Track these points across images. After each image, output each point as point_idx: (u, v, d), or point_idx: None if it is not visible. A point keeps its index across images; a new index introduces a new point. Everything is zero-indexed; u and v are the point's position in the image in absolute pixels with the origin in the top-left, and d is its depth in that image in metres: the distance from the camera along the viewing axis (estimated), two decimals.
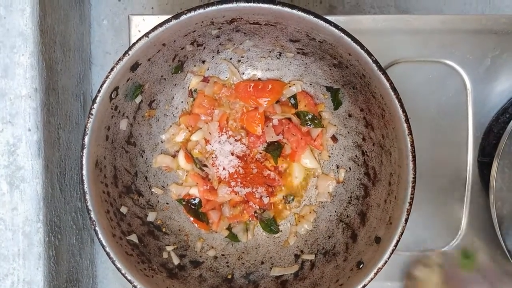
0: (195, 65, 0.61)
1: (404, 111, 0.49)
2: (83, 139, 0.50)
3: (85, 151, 0.50)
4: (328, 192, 0.64)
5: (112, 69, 0.50)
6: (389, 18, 0.66)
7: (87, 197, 0.51)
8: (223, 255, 0.63)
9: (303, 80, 0.63)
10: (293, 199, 0.65)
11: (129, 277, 0.52)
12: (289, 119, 0.63)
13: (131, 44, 0.50)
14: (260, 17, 0.52)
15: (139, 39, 0.49)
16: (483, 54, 0.66)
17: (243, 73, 0.64)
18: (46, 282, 0.65)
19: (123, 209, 0.57)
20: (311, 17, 0.48)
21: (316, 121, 0.63)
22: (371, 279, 0.51)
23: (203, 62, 0.62)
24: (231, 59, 0.62)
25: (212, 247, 0.63)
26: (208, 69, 0.62)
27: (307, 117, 0.63)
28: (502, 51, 0.65)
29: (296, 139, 0.63)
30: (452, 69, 0.66)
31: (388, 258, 0.51)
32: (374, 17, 0.66)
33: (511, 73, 0.66)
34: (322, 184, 0.64)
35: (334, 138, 0.64)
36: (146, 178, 0.62)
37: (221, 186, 0.63)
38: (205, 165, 0.64)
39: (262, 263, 0.62)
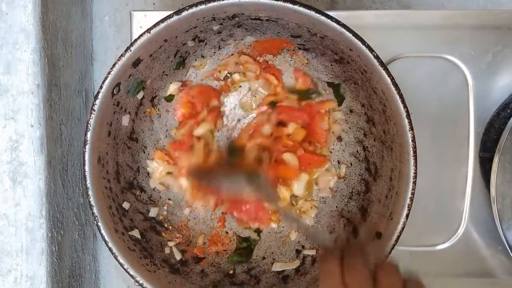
0: (196, 60, 0.61)
1: (405, 106, 0.49)
2: (86, 135, 0.50)
3: (87, 147, 0.51)
4: (329, 188, 0.64)
5: (114, 65, 0.50)
6: (391, 13, 0.65)
7: (90, 192, 0.51)
8: (224, 250, 0.63)
9: None
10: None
11: (131, 272, 0.52)
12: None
13: (132, 40, 0.50)
14: (261, 12, 0.52)
15: (141, 35, 0.49)
16: (484, 49, 0.65)
17: None
18: (49, 277, 0.65)
19: (125, 205, 0.57)
20: (312, 13, 0.48)
21: (314, 94, 0.62)
22: None
23: (204, 57, 0.62)
24: (232, 54, 0.62)
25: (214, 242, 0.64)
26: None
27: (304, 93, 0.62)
28: (503, 46, 0.65)
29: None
30: (454, 64, 0.66)
31: (389, 254, 0.51)
32: (375, 12, 0.65)
33: None
34: (323, 180, 0.64)
35: (338, 137, 0.64)
36: (148, 173, 0.62)
37: None
38: None
39: (264, 258, 0.62)
